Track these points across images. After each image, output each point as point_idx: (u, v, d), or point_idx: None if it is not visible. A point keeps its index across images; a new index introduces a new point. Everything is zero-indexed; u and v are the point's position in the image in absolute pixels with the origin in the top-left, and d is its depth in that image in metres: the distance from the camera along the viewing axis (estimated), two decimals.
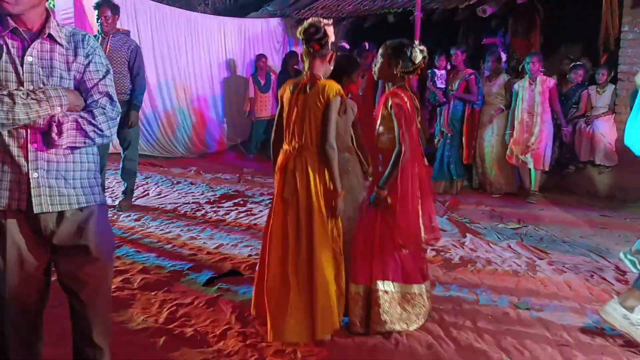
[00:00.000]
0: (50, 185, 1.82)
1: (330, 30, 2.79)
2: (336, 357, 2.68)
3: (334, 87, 2.70)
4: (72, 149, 1.86)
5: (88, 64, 1.89)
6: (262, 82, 8.47)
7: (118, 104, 1.94)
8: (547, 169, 6.22)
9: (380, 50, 2.99)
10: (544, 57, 6.44)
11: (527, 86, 6.07)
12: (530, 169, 6.22)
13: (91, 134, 1.84)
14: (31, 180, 1.79)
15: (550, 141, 6.14)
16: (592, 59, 7.21)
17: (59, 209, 1.84)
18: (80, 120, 1.81)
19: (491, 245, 4.53)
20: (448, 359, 2.66)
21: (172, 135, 8.76)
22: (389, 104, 2.86)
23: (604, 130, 6.27)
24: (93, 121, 1.83)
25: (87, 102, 1.87)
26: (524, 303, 3.34)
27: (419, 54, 2.89)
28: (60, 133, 1.77)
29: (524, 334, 2.94)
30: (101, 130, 1.85)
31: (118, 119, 1.94)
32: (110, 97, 1.91)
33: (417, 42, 3.03)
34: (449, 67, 6.86)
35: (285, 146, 2.81)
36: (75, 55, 1.88)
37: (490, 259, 4.17)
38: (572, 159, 6.59)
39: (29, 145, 1.78)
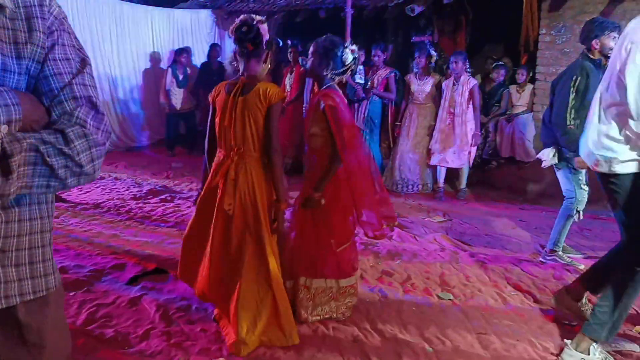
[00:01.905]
0: None
1: (264, 28, 2.70)
2: (262, 353, 2.67)
3: (274, 89, 2.61)
4: (19, 199, 1.10)
5: (52, 47, 1.13)
6: (181, 76, 8.33)
7: (107, 119, 1.19)
8: (469, 165, 6.43)
9: (311, 48, 2.96)
10: (469, 56, 6.66)
11: (451, 86, 6.22)
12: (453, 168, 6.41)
13: (61, 172, 1.07)
14: None
15: (471, 140, 6.32)
16: (514, 59, 7.56)
17: None
18: (43, 148, 1.04)
19: (417, 238, 4.67)
20: (373, 351, 2.72)
21: None
22: (322, 106, 2.82)
23: (524, 128, 6.60)
24: (66, 149, 1.07)
25: (54, 114, 1.11)
26: (446, 294, 3.46)
27: (349, 55, 2.90)
28: (8, 173, 0.99)
29: (445, 323, 3.05)
30: (80, 166, 1.09)
31: (107, 144, 1.18)
32: (94, 107, 1.15)
33: (348, 41, 3.03)
34: (369, 62, 6.99)
35: (222, 152, 2.67)
36: (30, 30, 1.10)
37: (416, 251, 4.29)
38: (494, 155, 6.90)
39: None
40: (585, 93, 3.70)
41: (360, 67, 6.77)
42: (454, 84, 6.13)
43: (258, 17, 2.63)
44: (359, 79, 6.68)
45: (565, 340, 2.78)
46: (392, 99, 6.54)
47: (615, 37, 3.69)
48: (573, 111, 3.74)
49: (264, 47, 2.65)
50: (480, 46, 8.36)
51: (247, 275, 2.65)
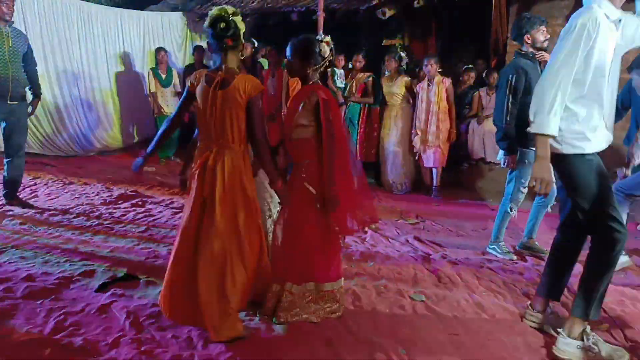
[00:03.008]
0: None
1: (239, 19, 2.73)
2: (234, 354, 2.65)
3: (254, 81, 2.64)
4: None
5: None
6: (163, 76, 8.22)
7: None
8: (443, 165, 6.54)
9: (288, 50, 2.99)
10: (439, 59, 6.75)
11: (426, 87, 6.36)
12: (431, 167, 6.53)
13: None
14: None
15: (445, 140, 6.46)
16: (487, 61, 7.67)
17: None
18: None
19: (390, 240, 4.70)
20: (346, 353, 2.71)
21: (64, 132, 8.26)
22: (315, 99, 2.84)
23: (494, 129, 6.68)
24: None
25: None
26: (419, 295, 3.48)
27: (326, 47, 2.96)
28: None
29: (418, 325, 3.06)
30: None
31: None
32: None
33: (321, 35, 3.09)
34: (349, 66, 7.04)
35: (202, 143, 2.67)
36: None
37: (389, 254, 4.31)
38: (465, 156, 6.99)
39: None
40: (527, 90, 3.90)
41: (341, 70, 6.83)
42: (428, 85, 6.29)
43: (231, 9, 2.63)
44: (340, 82, 6.73)
45: (558, 329, 2.81)
46: (370, 103, 6.61)
47: (543, 31, 4.03)
48: (511, 107, 3.97)
49: (242, 40, 2.70)
50: (451, 49, 8.45)
51: (210, 256, 2.69)
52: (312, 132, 2.91)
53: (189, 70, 8.65)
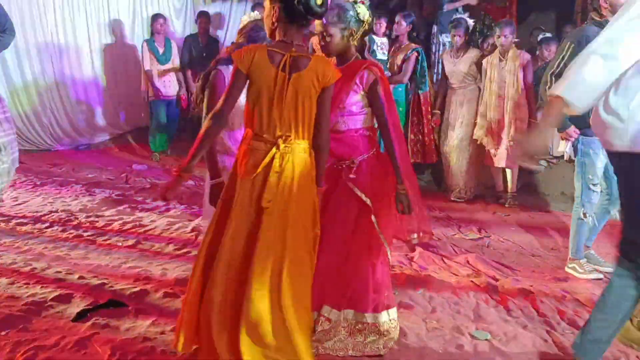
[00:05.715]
0: None
1: None
2: None
3: (332, 69, 2.69)
4: None
5: None
6: (161, 50, 8.32)
7: None
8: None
9: (320, 27, 3.03)
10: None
11: (497, 63, 6.20)
12: (504, 168, 6.42)
13: None
14: None
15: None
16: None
17: None
18: None
19: (445, 260, 4.67)
20: None
21: (35, 120, 8.46)
22: (373, 78, 2.96)
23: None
24: None
25: None
26: (482, 332, 3.44)
27: (363, 7, 3.03)
28: None
29: None
30: None
31: None
32: None
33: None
34: (393, 36, 7.01)
35: (257, 138, 2.67)
36: None
37: (443, 278, 4.28)
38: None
39: None
40: None
41: (383, 39, 6.80)
42: (500, 60, 6.11)
43: None
44: (381, 54, 6.70)
45: None
46: (399, 82, 6.55)
47: None
48: None
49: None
50: (525, 15, 8.34)
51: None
52: (364, 120, 3.00)
53: (190, 42, 8.79)
